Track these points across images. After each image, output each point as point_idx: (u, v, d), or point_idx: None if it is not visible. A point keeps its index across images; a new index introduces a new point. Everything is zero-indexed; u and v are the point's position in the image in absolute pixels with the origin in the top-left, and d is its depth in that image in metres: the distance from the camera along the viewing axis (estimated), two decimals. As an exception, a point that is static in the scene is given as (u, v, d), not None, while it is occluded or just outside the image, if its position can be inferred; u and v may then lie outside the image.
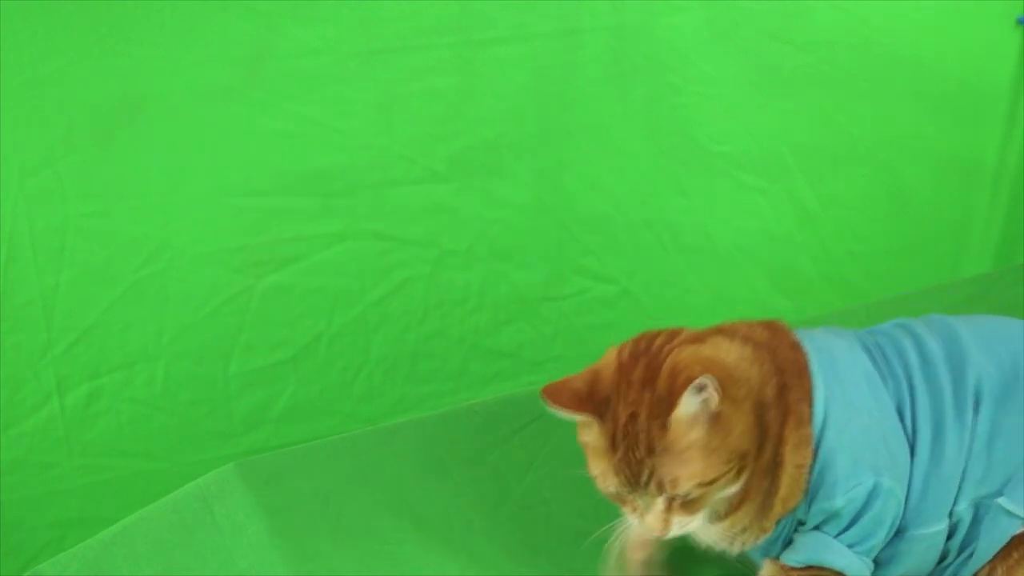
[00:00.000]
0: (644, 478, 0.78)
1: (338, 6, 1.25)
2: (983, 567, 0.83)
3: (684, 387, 0.75)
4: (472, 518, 1.00)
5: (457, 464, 1.06)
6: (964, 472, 0.83)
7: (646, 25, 1.39)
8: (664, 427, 0.76)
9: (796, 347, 0.84)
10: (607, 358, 0.83)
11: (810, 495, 0.81)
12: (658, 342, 0.83)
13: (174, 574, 0.93)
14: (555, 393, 0.81)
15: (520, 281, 1.46)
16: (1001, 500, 0.82)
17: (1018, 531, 0.81)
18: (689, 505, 0.78)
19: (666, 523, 0.79)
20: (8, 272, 1.22)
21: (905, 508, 0.83)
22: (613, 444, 0.78)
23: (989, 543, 0.82)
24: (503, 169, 1.39)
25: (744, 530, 0.83)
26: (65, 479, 1.33)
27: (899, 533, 0.84)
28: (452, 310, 1.44)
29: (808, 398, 0.81)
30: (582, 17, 1.36)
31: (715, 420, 0.77)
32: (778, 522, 0.83)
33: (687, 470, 0.77)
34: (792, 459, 0.80)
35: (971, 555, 0.83)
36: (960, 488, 0.83)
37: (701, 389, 0.76)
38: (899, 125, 1.54)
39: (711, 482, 0.77)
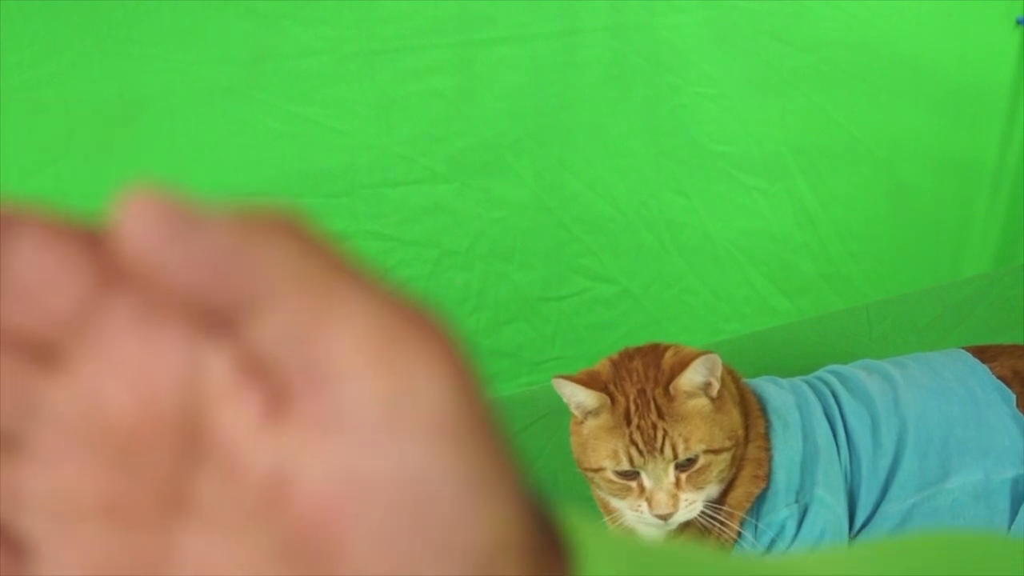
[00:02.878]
0: (659, 442, 0.86)
1: (338, 6, 1.25)
2: None
3: (692, 359, 0.87)
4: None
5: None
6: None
7: (646, 25, 1.39)
8: (667, 394, 0.87)
9: (750, 389, 0.97)
10: (599, 364, 0.94)
11: (757, 513, 0.91)
12: (645, 348, 0.94)
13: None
14: (568, 376, 0.91)
15: (520, 281, 1.46)
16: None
17: None
18: (695, 478, 0.84)
19: (675, 499, 0.86)
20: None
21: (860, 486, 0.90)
22: (627, 418, 0.87)
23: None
24: (503, 169, 1.39)
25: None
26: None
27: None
28: (452, 310, 1.44)
29: (764, 422, 0.93)
30: (582, 17, 1.36)
31: (716, 400, 0.87)
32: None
33: (696, 433, 0.86)
34: (749, 468, 0.90)
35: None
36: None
37: (710, 363, 0.87)
38: (899, 125, 1.54)
39: (717, 451, 0.85)
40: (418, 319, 0.21)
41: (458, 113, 1.34)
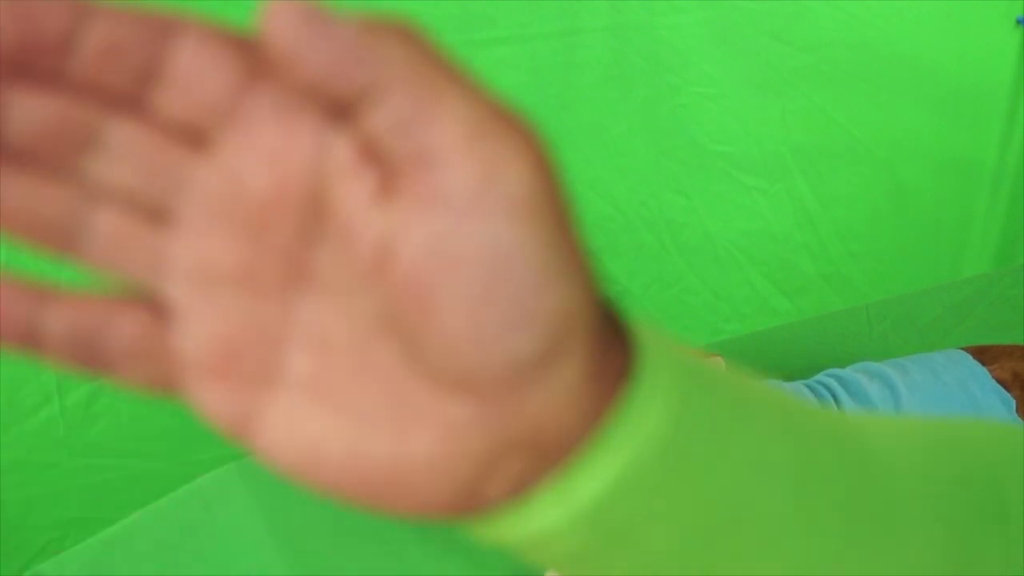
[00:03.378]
0: None
1: (338, 6, 1.25)
2: None
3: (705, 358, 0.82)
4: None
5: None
6: None
7: (646, 25, 1.39)
8: None
9: None
10: None
11: None
12: None
13: (174, 574, 0.93)
14: None
15: (520, 281, 1.46)
16: None
17: None
18: None
19: None
20: (8, 272, 1.22)
21: None
22: None
23: None
24: (503, 169, 1.39)
25: None
26: (65, 479, 1.33)
27: None
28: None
29: None
30: (582, 17, 1.35)
31: None
32: None
33: None
34: None
35: None
36: None
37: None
38: (899, 125, 1.54)
39: None
40: (509, 116, 0.25)
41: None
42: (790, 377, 1.05)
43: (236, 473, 1.02)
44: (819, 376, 1.02)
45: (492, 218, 0.23)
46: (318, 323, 0.26)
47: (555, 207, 0.25)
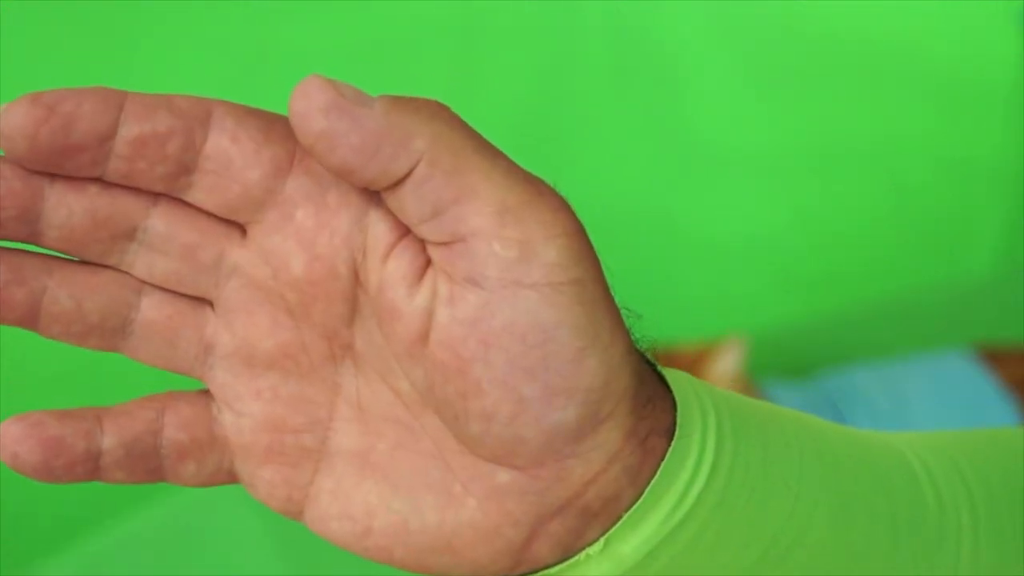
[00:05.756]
0: None
1: (338, 6, 1.25)
2: None
3: (719, 346, 0.91)
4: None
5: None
6: None
7: (646, 25, 1.39)
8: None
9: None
10: None
11: None
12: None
13: (174, 574, 0.93)
14: None
15: (520, 281, 1.46)
16: None
17: None
18: None
19: None
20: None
21: None
22: None
23: None
24: (503, 169, 1.39)
25: None
26: (65, 479, 1.33)
27: None
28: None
29: None
30: (582, 17, 1.36)
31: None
32: None
33: None
34: None
35: None
36: None
37: (740, 346, 0.91)
38: (899, 125, 1.54)
39: None
40: (539, 190, 0.25)
41: (458, 113, 1.34)
42: (790, 377, 1.05)
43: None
44: (818, 379, 1.02)
45: (528, 293, 0.24)
46: (362, 398, 0.26)
47: (588, 278, 0.25)
